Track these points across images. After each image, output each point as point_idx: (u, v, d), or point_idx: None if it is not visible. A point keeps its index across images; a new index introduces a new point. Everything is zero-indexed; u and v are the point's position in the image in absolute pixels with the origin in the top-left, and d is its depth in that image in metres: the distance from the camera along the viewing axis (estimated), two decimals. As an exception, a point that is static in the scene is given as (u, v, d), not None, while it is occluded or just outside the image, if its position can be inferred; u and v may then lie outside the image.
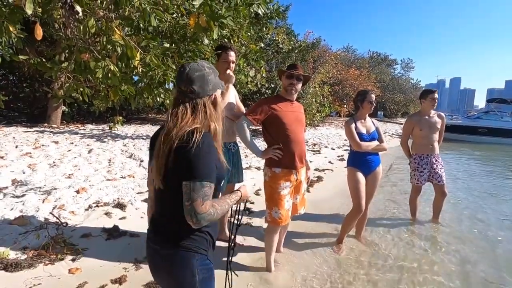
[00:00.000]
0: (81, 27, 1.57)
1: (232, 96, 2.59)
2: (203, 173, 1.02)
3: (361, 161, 2.97)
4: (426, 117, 3.66)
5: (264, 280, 2.43)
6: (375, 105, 2.98)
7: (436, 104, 3.63)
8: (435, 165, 3.64)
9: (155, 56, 1.72)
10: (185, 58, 2.13)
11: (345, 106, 24.75)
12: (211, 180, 1.04)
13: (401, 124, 28.37)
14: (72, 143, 6.39)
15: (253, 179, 5.08)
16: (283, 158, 2.34)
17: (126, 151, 6.00)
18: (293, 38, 13.02)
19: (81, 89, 2.02)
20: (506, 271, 2.75)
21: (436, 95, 3.64)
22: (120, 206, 3.40)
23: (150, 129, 9.97)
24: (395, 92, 37.04)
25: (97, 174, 4.37)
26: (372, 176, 3.00)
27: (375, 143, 2.94)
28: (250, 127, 2.39)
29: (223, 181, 1.21)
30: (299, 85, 2.42)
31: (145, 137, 7.97)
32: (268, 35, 10.89)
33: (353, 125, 2.92)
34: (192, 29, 1.91)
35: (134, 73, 1.92)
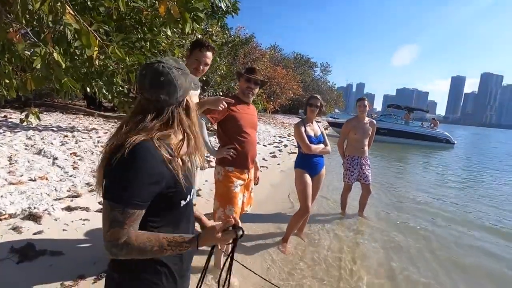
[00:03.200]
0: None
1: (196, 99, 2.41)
2: (113, 193, 0.82)
3: (308, 163, 3.09)
4: (361, 123, 4.06)
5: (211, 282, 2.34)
6: (319, 109, 3.12)
7: (364, 110, 4.05)
8: (363, 166, 4.08)
9: (118, 47, 1.36)
10: (138, 48, 1.80)
11: (271, 103, 25.83)
12: (124, 203, 0.80)
13: (318, 121, 31.24)
14: (-51, 134, 4.95)
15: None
16: (236, 158, 2.37)
17: (32, 146, 4.95)
18: (227, 32, 12.84)
19: (6, 81, 1.48)
20: (415, 251, 3.30)
21: (364, 102, 4.08)
22: (33, 217, 2.77)
23: (60, 119, 8.48)
24: (315, 93, 40.37)
25: (-7, 176, 3.48)
26: (318, 177, 3.17)
27: (321, 146, 3.11)
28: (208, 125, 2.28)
29: (182, 204, 0.96)
30: (257, 89, 2.47)
31: (55, 129, 6.74)
32: (201, 26, 10.48)
33: (303, 128, 3.03)
34: (150, 17, 1.62)
35: (89, 67, 1.51)
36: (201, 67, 2.06)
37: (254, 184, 2.81)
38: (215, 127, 2.49)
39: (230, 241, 0.92)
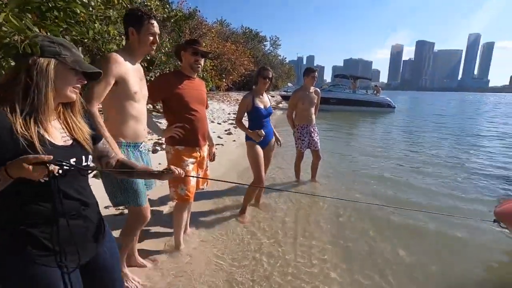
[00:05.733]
0: None
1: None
2: None
3: (258, 135, 3.14)
4: (307, 92, 4.20)
5: (175, 259, 2.40)
6: (270, 81, 3.16)
7: (315, 81, 4.20)
8: (313, 134, 4.28)
9: (13, 15, 1.14)
10: (50, 18, 1.56)
11: (224, 80, 25.28)
12: None
13: (273, 96, 31.67)
14: None
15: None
16: (186, 136, 2.32)
17: None
18: (167, 6, 11.96)
19: None
20: (364, 206, 3.63)
21: (316, 74, 4.21)
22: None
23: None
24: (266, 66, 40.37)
25: None
26: (268, 148, 3.25)
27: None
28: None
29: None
30: (203, 61, 2.35)
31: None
32: (139, -1, 9.57)
33: (248, 99, 3.05)
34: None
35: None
36: (157, 39, 1.82)
37: (210, 161, 2.79)
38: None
39: (43, 175, 0.86)
